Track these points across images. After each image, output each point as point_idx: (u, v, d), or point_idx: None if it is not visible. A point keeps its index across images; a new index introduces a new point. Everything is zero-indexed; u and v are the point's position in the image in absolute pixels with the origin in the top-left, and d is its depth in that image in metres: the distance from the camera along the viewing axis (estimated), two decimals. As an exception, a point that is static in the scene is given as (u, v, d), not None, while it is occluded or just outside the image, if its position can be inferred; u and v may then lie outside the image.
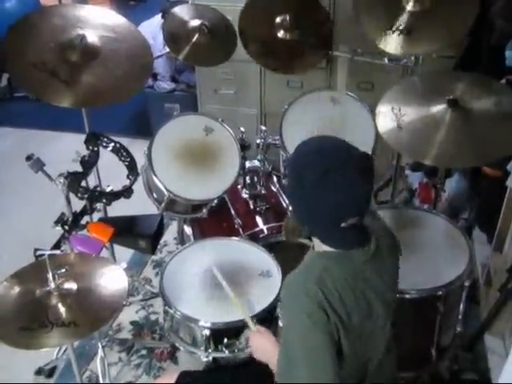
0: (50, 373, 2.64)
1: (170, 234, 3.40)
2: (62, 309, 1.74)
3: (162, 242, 3.34)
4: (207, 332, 2.02)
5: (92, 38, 2.16)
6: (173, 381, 1.93)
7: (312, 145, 1.53)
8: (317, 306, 1.44)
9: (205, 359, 2.06)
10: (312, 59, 2.83)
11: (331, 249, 1.54)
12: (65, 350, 2.65)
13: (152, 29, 3.91)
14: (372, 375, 1.62)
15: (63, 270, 1.81)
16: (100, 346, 2.53)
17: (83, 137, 2.26)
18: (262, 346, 1.79)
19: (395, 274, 1.66)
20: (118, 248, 2.76)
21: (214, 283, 2.15)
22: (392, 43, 2.39)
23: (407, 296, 2.12)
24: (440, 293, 2.15)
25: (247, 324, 1.93)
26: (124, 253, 3.03)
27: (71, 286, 1.81)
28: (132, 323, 2.91)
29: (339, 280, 1.48)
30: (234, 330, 2.04)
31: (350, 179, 1.43)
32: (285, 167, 2.59)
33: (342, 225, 1.46)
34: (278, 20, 2.73)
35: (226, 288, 2.02)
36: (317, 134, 1.59)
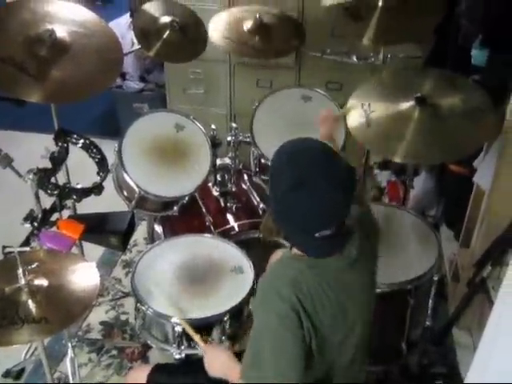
0: (18, 375, 2.59)
1: (139, 234, 3.36)
2: (32, 305, 1.71)
3: (131, 242, 3.30)
4: (180, 329, 2.01)
5: (61, 33, 2.13)
6: (145, 375, 1.92)
7: (289, 152, 1.49)
8: (290, 310, 1.43)
9: (177, 356, 2.05)
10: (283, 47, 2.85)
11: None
12: (33, 352, 2.60)
13: (120, 28, 3.88)
14: (337, 378, 1.61)
15: (34, 266, 1.78)
16: (70, 345, 2.49)
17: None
18: (217, 359, 1.75)
19: (373, 278, 1.66)
20: (86, 248, 2.73)
21: (185, 280, 2.15)
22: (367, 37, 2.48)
23: (378, 290, 2.10)
24: (410, 286, 2.18)
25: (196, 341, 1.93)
26: (93, 253, 3.00)
27: (42, 282, 1.78)
28: (102, 323, 2.87)
29: (313, 286, 1.47)
30: (206, 326, 2.03)
31: (324, 192, 1.40)
32: (255, 165, 2.61)
33: (316, 235, 1.43)
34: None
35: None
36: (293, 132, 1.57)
